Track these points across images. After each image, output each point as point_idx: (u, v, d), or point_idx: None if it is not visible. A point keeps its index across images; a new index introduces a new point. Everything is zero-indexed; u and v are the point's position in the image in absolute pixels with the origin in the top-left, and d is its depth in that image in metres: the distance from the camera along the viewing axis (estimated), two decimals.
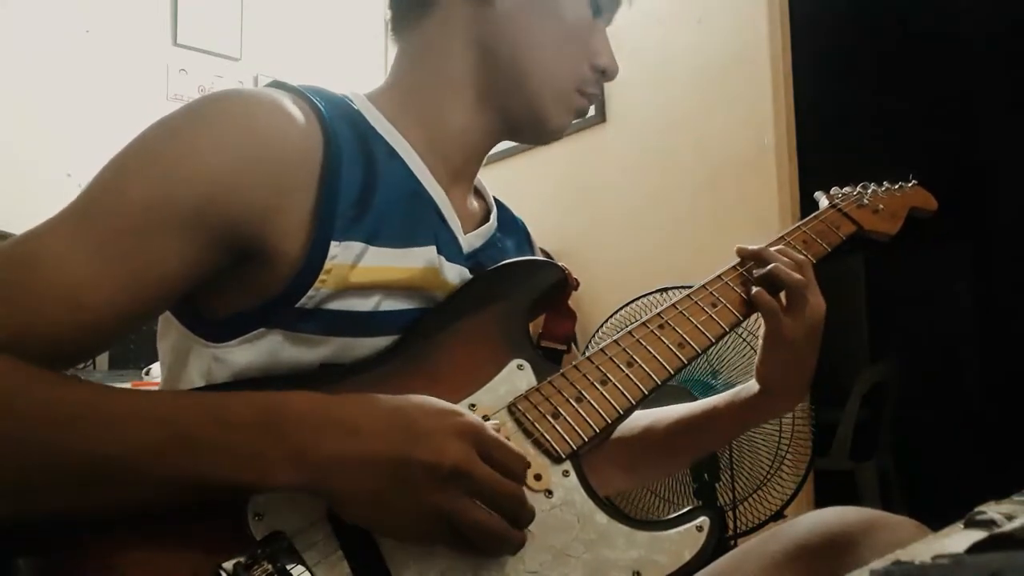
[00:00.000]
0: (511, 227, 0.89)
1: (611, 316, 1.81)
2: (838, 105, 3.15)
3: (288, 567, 0.56)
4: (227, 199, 0.62)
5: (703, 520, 0.66)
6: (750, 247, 0.84)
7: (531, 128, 0.81)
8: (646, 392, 0.72)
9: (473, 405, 0.68)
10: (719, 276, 0.83)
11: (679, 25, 2.29)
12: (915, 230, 1.00)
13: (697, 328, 0.78)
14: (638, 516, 0.67)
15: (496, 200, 0.88)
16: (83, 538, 0.56)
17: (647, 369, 0.73)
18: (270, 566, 0.55)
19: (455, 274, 0.75)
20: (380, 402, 0.59)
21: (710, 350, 0.81)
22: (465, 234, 0.78)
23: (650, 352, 0.75)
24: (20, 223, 0.68)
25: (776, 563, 0.73)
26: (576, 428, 0.68)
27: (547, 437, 0.67)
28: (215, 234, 0.62)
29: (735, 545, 1.51)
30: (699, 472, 1.62)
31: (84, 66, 2.70)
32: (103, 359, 2.22)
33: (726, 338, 0.81)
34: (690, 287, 0.83)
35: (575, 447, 0.67)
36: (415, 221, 0.72)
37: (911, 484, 2.93)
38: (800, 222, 0.91)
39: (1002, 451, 2.62)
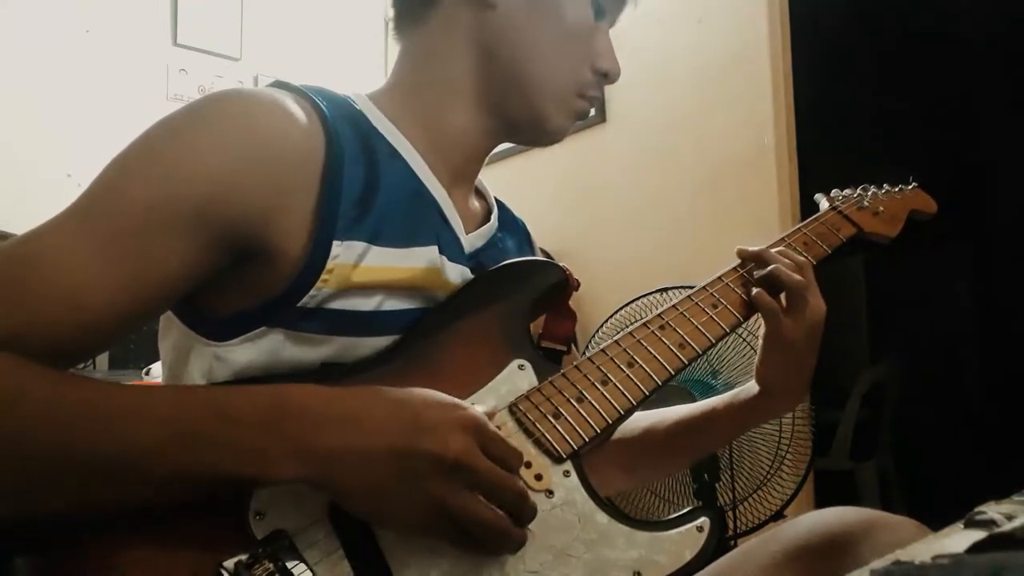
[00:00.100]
0: (512, 227, 0.89)
1: (611, 316, 1.81)
2: (838, 105, 3.15)
3: (289, 565, 0.56)
4: (228, 199, 0.62)
5: (704, 520, 0.66)
6: (751, 248, 0.84)
7: (531, 130, 0.82)
8: (647, 392, 0.73)
9: (474, 405, 0.68)
10: (719, 277, 0.83)
11: (679, 25, 2.29)
12: (915, 231, 1.00)
13: (698, 329, 0.78)
14: (638, 516, 0.68)
15: (497, 200, 0.88)
16: (83, 538, 0.56)
17: (648, 369, 0.74)
18: (271, 565, 0.56)
19: (457, 274, 0.75)
20: (383, 395, 0.59)
21: (710, 350, 0.81)
22: (467, 234, 0.78)
23: (651, 352, 0.75)
24: (20, 223, 0.68)
25: (776, 563, 0.73)
26: (577, 428, 0.68)
27: (548, 437, 0.67)
28: (216, 234, 0.62)
29: (735, 545, 1.51)
30: (699, 472, 1.62)
31: (84, 66, 2.70)
32: (103, 359, 2.22)
33: (726, 338, 0.81)
34: (690, 287, 0.83)
35: (576, 447, 0.67)
36: (417, 221, 0.72)
37: (911, 484, 2.93)
38: (800, 224, 0.92)
39: (1002, 451, 2.62)
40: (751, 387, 0.85)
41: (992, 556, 0.33)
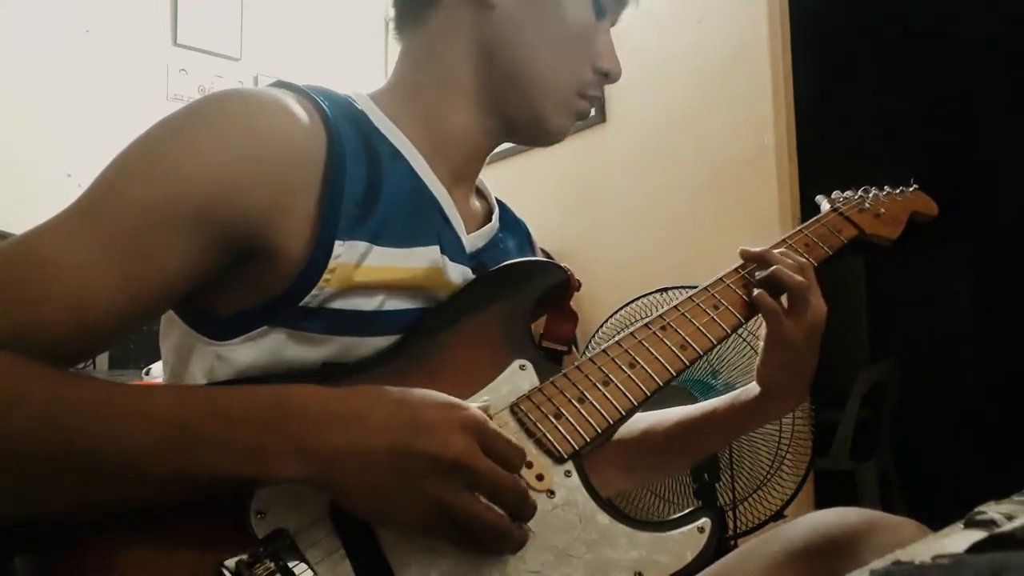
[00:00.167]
0: (513, 227, 0.89)
1: (611, 316, 1.81)
2: (838, 105, 3.15)
3: (290, 565, 0.56)
4: (228, 199, 0.62)
5: (705, 521, 0.66)
6: (753, 249, 0.84)
7: (532, 130, 0.82)
8: (648, 393, 0.73)
9: (475, 404, 0.68)
10: (720, 278, 0.83)
11: (679, 25, 2.29)
12: (915, 231, 1.00)
13: (699, 330, 0.78)
14: (639, 516, 0.68)
15: (498, 200, 0.88)
16: (83, 538, 0.56)
17: (649, 370, 0.74)
18: (272, 564, 0.56)
19: (458, 274, 0.75)
20: (383, 394, 0.59)
21: (711, 351, 0.81)
22: (468, 234, 0.78)
23: (652, 353, 0.75)
24: (20, 223, 0.68)
25: (777, 564, 0.73)
26: (578, 428, 0.68)
27: (549, 437, 0.67)
28: (216, 234, 0.62)
29: (735, 545, 1.51)
30: (699, 472, 1.62)
31: (84, 66, 2.70)
32: (103, 359, 2.22)
33: (726, 339, 0.81)
34: (690, 287, 0.83)
35: (577, 447, 0.67)
36: (419, 221, 0.72)
37: (911, 484, 2.93)
38: (802, 225, 0.92)
39: (1002, 451, 2.63)
40: (751, 388, 0.85)
41: (992, 556, 0.33)
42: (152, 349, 2.12)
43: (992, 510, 0.42)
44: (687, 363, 0.76)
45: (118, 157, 0.63)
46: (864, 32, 3.32)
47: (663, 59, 2.31)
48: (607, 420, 0.70)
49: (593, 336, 1.83)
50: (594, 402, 0.70)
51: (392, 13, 0.82)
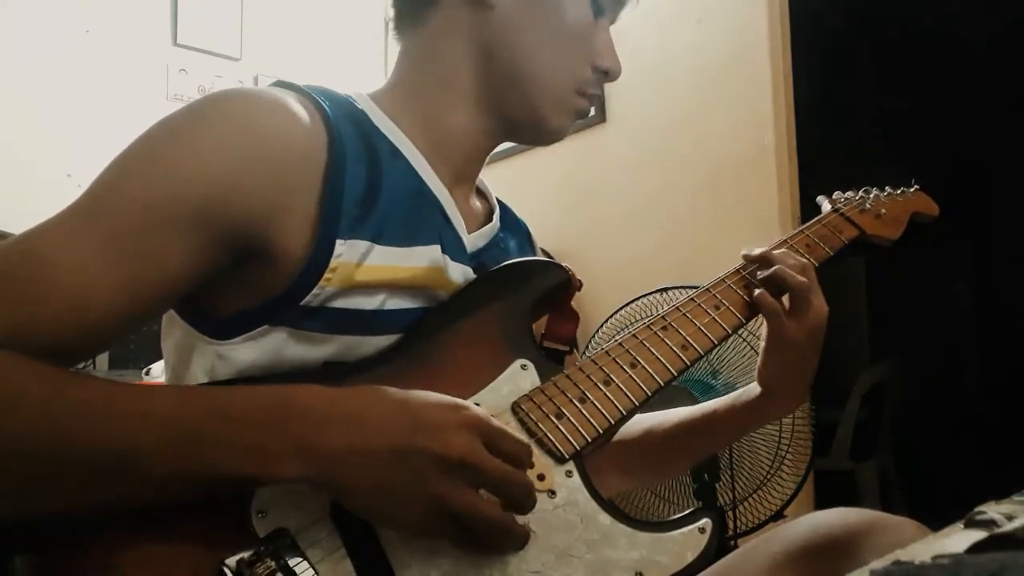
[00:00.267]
0: (514, 227, 0.89)
1: (611, 316, 1.81)
2: (838, 105, 3.15)
3: (291, 564, 0.56)
4: (228, 199, 0.62)
5: (705, 522, 0.66)
6: (755, 251, 0.84)
7: (531, 130, 0.82)
8: (649, 393, 0.73)
9: (477, 404, 0.68)
10: (722, 279, 0.83)
11: (679, 25, 2.29)
12: (915, 231, 1.00)
13: (700, 330, 0.78)
14: (639, 517, 0.68)
15: (499, 200, 0.88)
16: (83, 538, 0.56)
17: (650, 370, 0.74)
18: (273, 563, 0.56)
19: (459, 273, 0.75)
20: (386, 395, 0.59)
21: (712, 351, 0.81)
22: (469, 234, 0.78)
23: (653, 353, 0.75)
24: (20, 223, 0.68)
25: (777, 564, 0.73)
26: (579, 428, 0.68)
27: (550, 437, 0.67)
28: (216, 234, 0.62)
29: (735, 545, 1.51)
30: (699, 472, 1.62)
31: (84, 66, 2.70)
32: (103, 359, 2.22)
33: (727, 339, 0.81)
34: (691, 287, 0.83)
35: (578, 447, 0.67)
36: (420, 220, 0.72)
37: (911, 484, 2.93)
38: (803, 226, 0.92)
39: (1002, 451, 2.63)
40: (752, 389, 0.85)
41: (992, 556, 0.33)
42: (152, 349, 2.12)
43: (992, 510, 0.42)
44: (688, 363, 0.76)
45: (118, 157, 0.63)
46: (864, 32, 3.32)
47: (663, 59, 2.31)
48: (608, 420, 0.70)
49: (593, 336, 1.83)
50: (595, 402, 0.70)
51: (391, 13, 0.82)
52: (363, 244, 0.67)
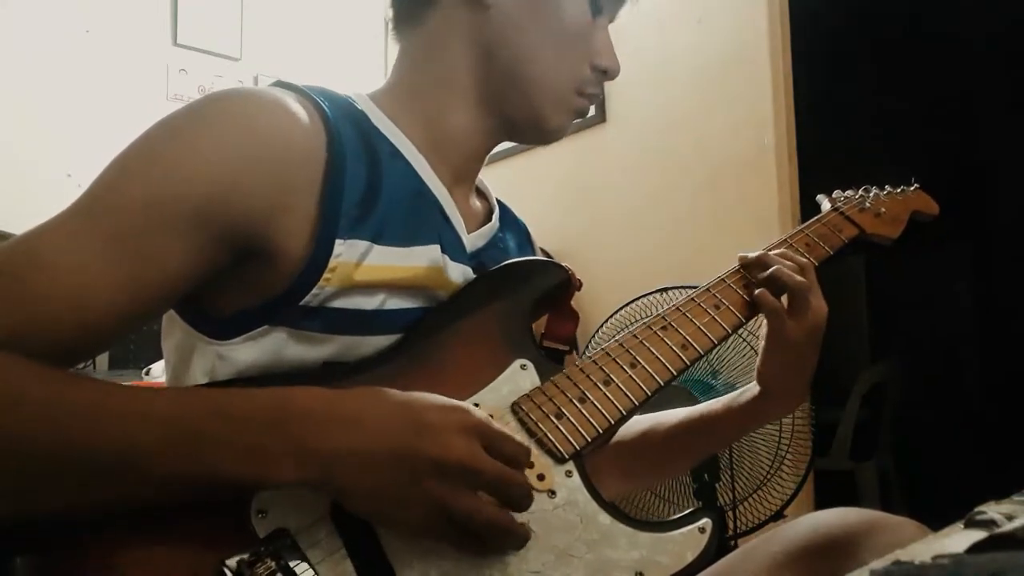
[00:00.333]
0: (513, 227, 0.89)
1: (611, 316, 1.81)
2: (838, 105, 3.15)
3: (291, 564, 0.56)
4: (228, 199, 0.62)
5: (705, 522, 0.66)
6: (751, 254, 0.83)
7: (530, 129, 0.81)
8: (649, 393, 0.73)
9: (476, 404, 0.68)
10: (722, 278, 0.83)
11: (679, 25, 2.29)
12: (915, 231, 1.00)
13: (700, 329, 0.78)
14: (639, 517, 0.68)
15: (498, 200, 0.88)
16: (83, 538, 0.56)
17: (650, 370, 0.74)
18: (273, 563, 0.56)
19: (459, 273, 0.75)
20: (385, 396, 0.59)
21: (712, 351, 0.81)
22: (468, 233, 0.78)
23: (653, 353, 0.75)
24: (20, 223, 0.68)
25: (777, 564, 0.73)
26: (579, 428, 0.68)
27: (550, 437, 0.67)
28: (216, 233, 0.62)
29: (735, 545, 1.51)
30: (699, 472, 1.62)
31: (84, 66, 2.70)
32: (103, 359, 2.22)
33: (727, 339, 0.81)
34: (690, 287, 0.83)
35: (578, 447, 0.67)
36: (419, 220, 0.72)
37: (911, 484, 2.93)
38: (802, 225, 0.91)
39: (1002, 451, 2.63)
40: (751, 389, 0.85)
41: (992, 556, 0.33)
42: (152, 349, 2.12)
43: (992, 510, 0.42)
44: (688, 363, 0.76)
45: (118, 157, 0.63)
46: (864, 32, 3.32)
47: (663, 59, 2.31)
48: (608, 420, 0.70)
49: (593, 336, 1.83)
50: (595, 402, 0.70)
51: (390, 13, 0.82)
52: (362, 244, 0.67)
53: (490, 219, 0.83)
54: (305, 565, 0.56)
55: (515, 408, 0.68)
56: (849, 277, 3.34)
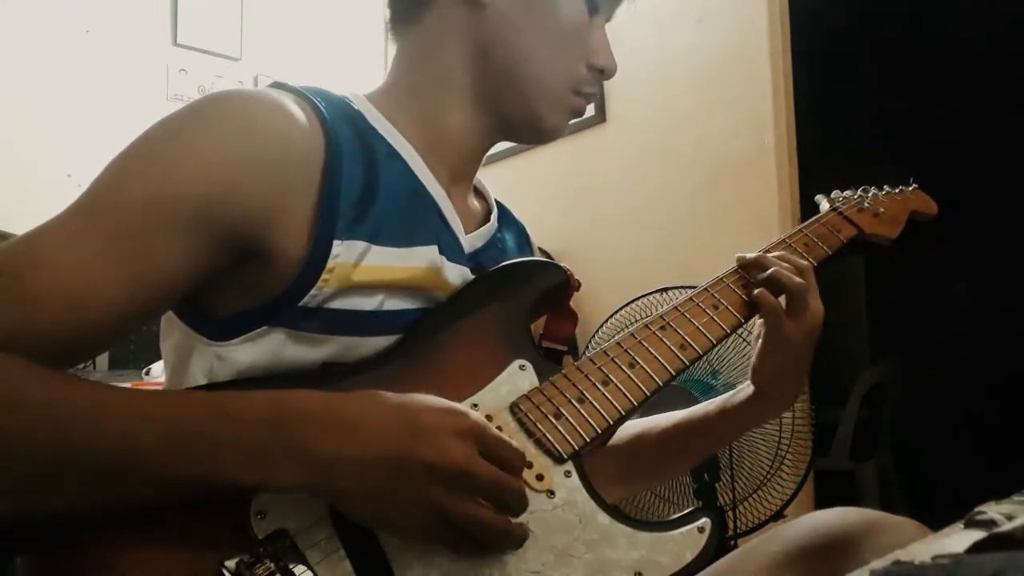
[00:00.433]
0: (512, 228, 0.89)
1: (611, 316, 1.81)
2: (838, 105, 3.15)
3: (291, 565, 0.56)
4: (227, 200, 0.62)
5: (705, 521, 0.66)
6: (749, 255, 0.83)
7: (527, 129, 0.81)
8: (648, 393, 0.73)
9: (475, 405, 0.68)
10: (720, 278, 0.83)
11: (679, 25, 2.29)
12: (915, 231, 1.00)
13: (699, 330, 0.78)
14: (639, 517, 0.68)
15: (496, 201, 0.88)
16: (83, 538, 0.56)
17: (649, 370, 0.74)
18: (272, 564, 0.56)
19: (457, 274, 0.75)
20: (384, 400, 0.59)
21: (711, 351, 0.81)
22: (466, 234, 0.78)
23: (652, 353, 0.75)
24: (20, 223, 0.68)
25: (777, 563, 0.73)
26: (578, 428, 0.68)
27: (549, 437, 0.67)
28: (216, 234, 0.62)
29: (735, 545, 1.51)
30: (699, 472, 1.62)
31: (84, 66, 2.70)
32: (103, 359, 2.22)
33: (726, 339, 0.81)
34: (690, 287, 0.83)
35: (577, 447, 0.67)
36: (417, 221, 0.72)
37: (911, 484, 2.93)
38: (801, 225, 0.91)
39: (1002, 451, 2.63)
40: (744, 389, 0.85)
41: (992, 556, 0.33)
42: (152, 349, 2.12)
43: (992, 510, 0.42)
44: (687, 363, 0.76)
45: (117, 157, 0.63)
46: (864, 32, 3.32)
47: (663, 59, 2.31)
48: (607, 420, 0.70)
49: (593, 336, 1.83)
50: (594, 402, 0.70)
51: (388, 13, 0.82)
52: (360, 244, 0.67)
53: (488, 219, 0.83)
54: (304, 567, 0.56)
55: (514, 408, 0.68)
56: (849, 277, 3.34)
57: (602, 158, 2.49)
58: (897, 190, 1.02)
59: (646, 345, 0.75)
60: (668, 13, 2.29)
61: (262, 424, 0.56)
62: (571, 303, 0.81)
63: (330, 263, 0.65)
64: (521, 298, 0.75)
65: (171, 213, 0.60)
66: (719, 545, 0.66)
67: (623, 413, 0.71)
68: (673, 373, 0.75)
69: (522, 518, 0.61)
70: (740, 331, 1.52)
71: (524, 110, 0.79)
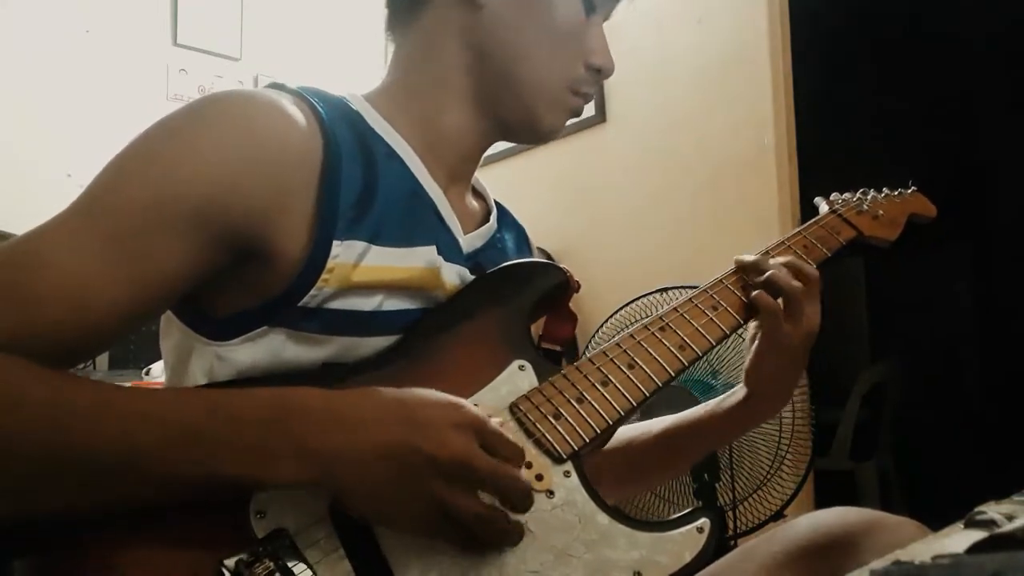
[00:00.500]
0: (512, 229, 0.89)
1: (611, 316, 1.81)
2: (838, 105, 3.15)
3: (290, 565, 0.56)
4: (227, 200, 0.62)
5: (704, 521, 0.66)
6: (747, 257, 0.83)
7: (525, 129, 0.81)
8: (647, 393, 0.73)
9: (475, 405, 0.68)
10: (720, 280, 0.83)
11: (679, 25, 2.29)
12: (914, 231, 1.00)
13: (698, 331, 0.78)
14: (638, 517, 0.67)
15: (496, 201, 0.88)
16: (83, 538, 0.56)
17: (648, 371, 0.74)
18: (272, 564, 0.56)
19: (455, 275, 0.75)
20: (382, 394, 0.59)
21: (710, 352, 0.81)
22: (465, 234, 0.78)
23: (651, 354, 0.75)
24: (20, 223, 0.68)
25: (777, 563, 0.73)
26: (577, 428, 0.68)
27: (548, 437, 0.67)
28: (215, 234, 0.62)
29: (735, 545, 1.51)
30: (699, 472, 1.62)
31: (84, 66, 2.70)
32: (103, 359, 2.22)
33: (726, 339, 0.81)
34: (690, 287, 0.83)
35: (576, 447, 0.67)
36: (415, 221, 0.72)
37: (911, 484, 2.93)
38: (801, 227, 0.91)
39: (1002, 451, 2.63)
40: (736, 393, 0.85)
41: (992, 556, 0.33)
42: (152, 349, 2.12)
43: (992, 510, 0.43)
44: (686, 364, 0.76)
45: (116, 158, 0.63)
46: (864, 32, 3.32)
47: (663, 59, 2.31)
48: (606, 421, 0.70)
49: (593, 336, 1.83)
50: (593, 402, 0.70)
51: (385, 14, 0.82)
52: (360, 245, 0.67)
53: (488, 220, 0.83)
54: (303, 566, 0.56)
55: (513, 408, 0.68)
56: (848, 278, 3.34)
57: (602, 158, 2.49)
58: (896, 192, 1.02)
59: (645, 346, 0.75)
60: (668, 13, 2.29)
61: (261, 422, 0.56)
62: (571, 304, 0.80)
63: (330, 263, 0.65)
64: (521, 299, 0.75)
65: (171, 213, 0.60)
66: (719, 545, 0.66)
67: (622, 414, 0.71)
68: (672, 374, 0.75)
69: (521, 517, 0.61)
70: (740, 331, 1.52)
71: (522, 110, 0.79)
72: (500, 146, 0.84)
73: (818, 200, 0.98)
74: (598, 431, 0.69)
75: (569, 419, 0.69)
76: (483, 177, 0.88)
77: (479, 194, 0.87)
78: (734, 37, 2.17)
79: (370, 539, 0.59)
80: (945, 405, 3.22)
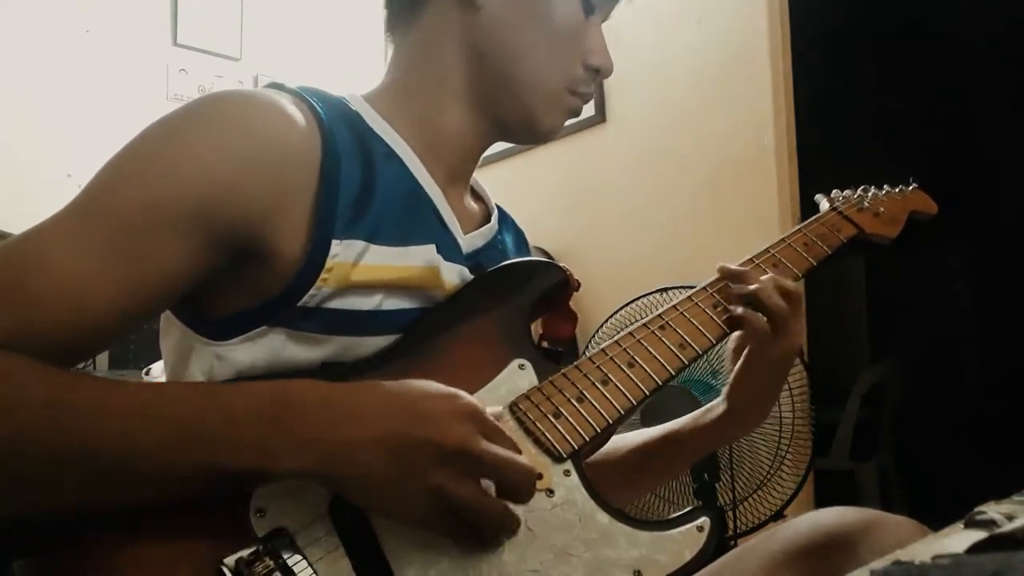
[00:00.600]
0: (511, 231, 0.89)
1: (611, 316, 1.81)
2: (838, 105, 3.15)
3: (290, 563, 0.56)
4: (226, 200, 0.62)
5: (704, 520, 0.66)
6: (731, 266, 0.82)
7: (524, 129, 0.81)
8: (647, 392, 0.73)
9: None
10: (720, 279, 0.83)
11: (679, 25, 2.29)
12: (915, 231, 1.00)
13: (698, 329, 0.78)
14: (638, 516, 0.67)
15: (496, 204, 0.88)
16: (83, 538, 0.56)
17: (648, 369, 0.74)
18: (272, 562, 0.56)
19: (454, 274, 0.75)
20: (382, 387, 0.59)
21: (710, 350, 0.81)
22: (464, 234, 0.78)
23: (651, 352, 0.75)
24: (20, 223, 0.68)
25: (776, 563, 0.73)
26: (577, 427, 0.68)
27: (548, 436, 0.67)
28: (214, 234, 0.62)
29: (735, 545, 1.51)
30: (699, 472, 1.62)
31: (84, 66, 2.70)
32: (103, 359, 2.22)
33: (726, 338, 0.81)
34: (690, 287, 0.83)
35: (576, 446, 0.67)
36: (414, 220, 0.72)
37: (911, 484, 2.93)
38: (801, 224, 0.91)
39: (1002, 451, 2.63)
40: (716, 408, 0.85)
41: (992, 556, 0.33)
42: (152, 349, 2.12)
43: (992, 510, 0.43)
44: (686, 362, 0.76)
45: (115, 157, 0.63)
46: (864, 32, 3.32)
47: (663, 59, 2.31)
48: (606, 419, 0.70)
49: (593, 336, 1.83)
50: (593, 401, 0.70)
51: (384, 14, 0.82)
52: (359, 244, 0.67)
53: (488, 220, 0.83)
54: (304, 563, 0.56)
55: (513, 408, 0.68)
56: (849, 277, 3.34)
57: (602, 158, 2.49)
58: (897, 190, 1.02)
59: (645, 345, 0.75)
60: (668, 13, 2.29)
61: (261, 417, 0.56)
62: (571, 303, 0.80)
63: (329, 263, 0.65)
64: (521, 298, 0.75)
65: (170, 213, 0.60)
66: (719, 545, 0.66)
67: (622, 412, 0.71)
68: (672, 373, 0.75)
69: (521, 516, 0.61)
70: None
71: (520, 110, 0.79)
72: (500, 146, 0.84)
73: (819, 197, 0.98)
74: (598, 430, 0.69)
75: (569, 418, 0.69)
76: (483, 177, 0.88)
77: (478, 195, 0.87)
78: (734, 37, 2.17)
79: (370, 537, 0.59)
80: (945, 405, 3.22)
